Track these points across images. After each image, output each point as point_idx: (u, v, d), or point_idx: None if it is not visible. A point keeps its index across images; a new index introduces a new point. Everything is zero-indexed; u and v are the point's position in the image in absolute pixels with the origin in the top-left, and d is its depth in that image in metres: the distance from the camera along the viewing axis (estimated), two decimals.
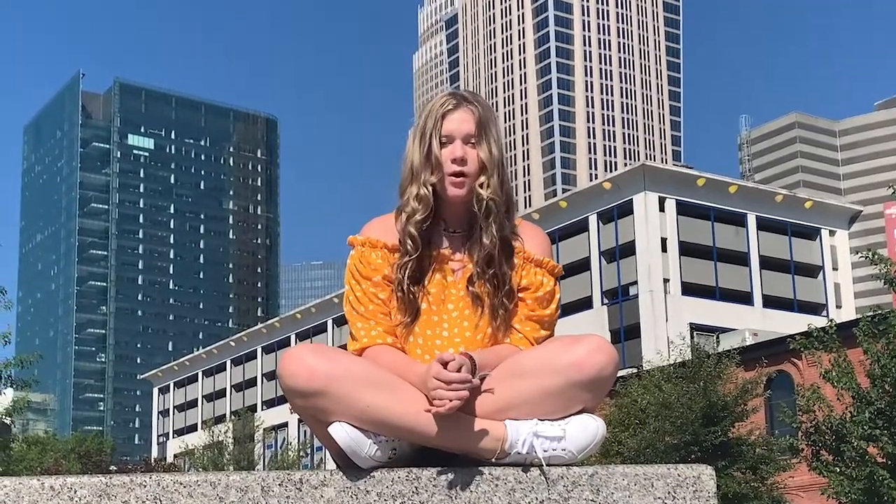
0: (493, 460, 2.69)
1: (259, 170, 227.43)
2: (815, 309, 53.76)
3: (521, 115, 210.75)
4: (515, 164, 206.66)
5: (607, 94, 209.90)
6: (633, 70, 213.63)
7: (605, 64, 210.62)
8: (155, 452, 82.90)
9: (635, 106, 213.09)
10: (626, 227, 52.02)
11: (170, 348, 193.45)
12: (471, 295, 2.91)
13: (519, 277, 2.94)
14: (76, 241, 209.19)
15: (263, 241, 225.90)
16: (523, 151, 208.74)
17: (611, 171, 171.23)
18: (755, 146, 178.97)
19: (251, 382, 77.48)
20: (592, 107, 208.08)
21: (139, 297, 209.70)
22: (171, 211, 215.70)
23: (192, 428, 79.47)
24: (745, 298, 53.36)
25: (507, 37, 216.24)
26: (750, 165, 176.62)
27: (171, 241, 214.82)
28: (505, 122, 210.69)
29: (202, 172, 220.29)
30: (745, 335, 45.18)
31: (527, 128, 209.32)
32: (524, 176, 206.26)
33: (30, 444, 58.43)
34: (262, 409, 72.23)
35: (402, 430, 2.69)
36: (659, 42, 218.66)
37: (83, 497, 2.55)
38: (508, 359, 2.79)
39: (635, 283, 51.29)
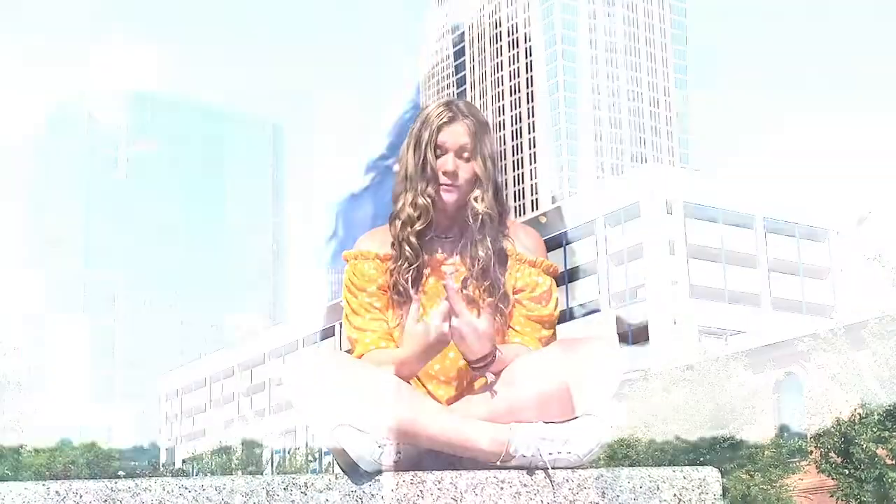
0: (498, 463, 2.69)
1: (265, 175, 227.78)
2: (823, 311, 53.60)
3: (528, 118, 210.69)
4: (522, 167, 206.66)
5: (614, 96, 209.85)
6: (641, 72, 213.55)
7: (612, 66, 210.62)
8: (163, 458, 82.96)
9: (642, 108, 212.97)
10: (633, 230, 51.95)
11: (177, 353, 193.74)
12: (465, 298, 2.91)
13: (514, 280, 2.96)
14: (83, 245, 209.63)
15: (270, 247, 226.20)
16: (530, 154, 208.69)
17: (618, 173, 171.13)
18: None
19: (259, 387, 77.54)
20: (599, 109, 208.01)
21: (146, 303, 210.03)
22: (178, 216, 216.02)
23: (201, 433, 79.53)
24: (753, 301, 53.24)
25: (513, 40, 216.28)
26: None
27: (178, 246, 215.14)
28: (511, 125, 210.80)
29: (208, 178, 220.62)
30: (754, 338, 45.09)
31: (533, 131, 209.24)
32: (531, 179, 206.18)
33: (38, 450, 58.45)
34: (270, 415, 72.30)
35: (407, 433, 2.69)
36: (666, 44, 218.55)
37: (88, 502, 2.55)
38: (513, 361, 2.80)
39: (643, 285, 51.22)
